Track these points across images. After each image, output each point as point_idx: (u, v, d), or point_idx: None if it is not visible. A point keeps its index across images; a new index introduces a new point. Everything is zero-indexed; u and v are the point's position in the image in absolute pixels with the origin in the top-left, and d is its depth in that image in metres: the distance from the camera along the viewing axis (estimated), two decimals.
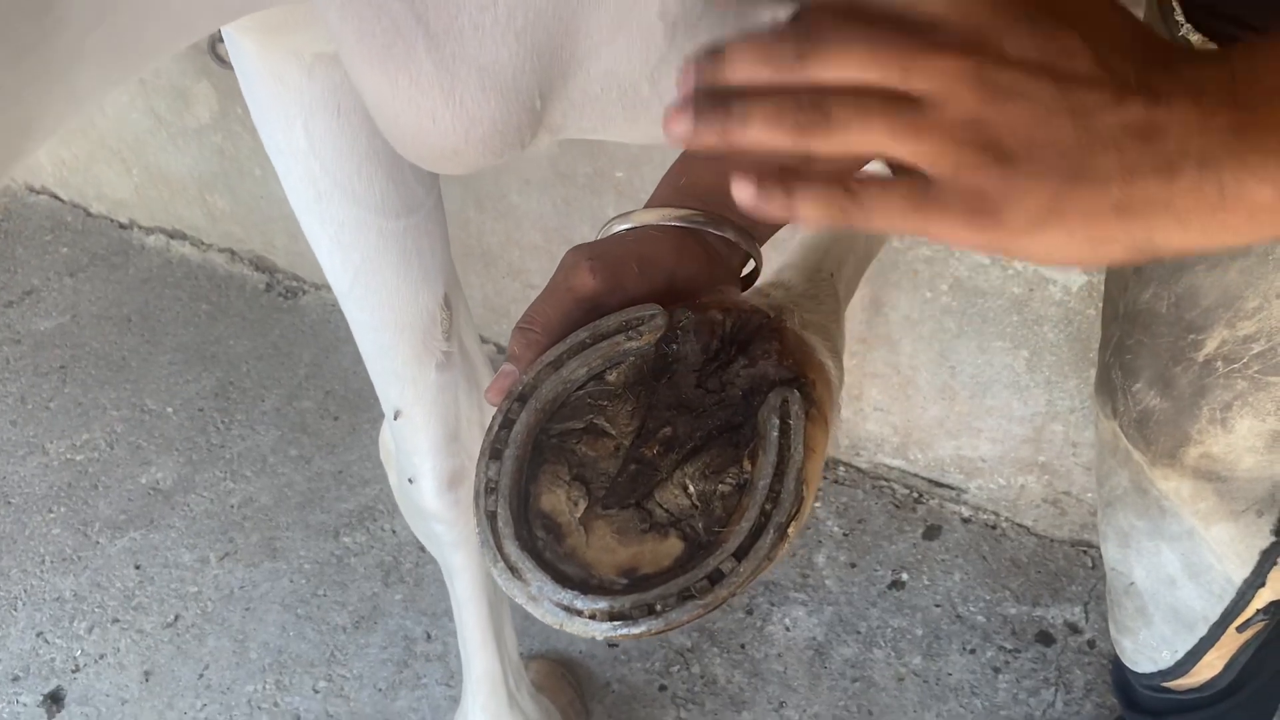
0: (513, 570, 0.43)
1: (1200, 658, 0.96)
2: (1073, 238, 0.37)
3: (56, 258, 2.06)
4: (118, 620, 1.49)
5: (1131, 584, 0.97)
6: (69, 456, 1.71)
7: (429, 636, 1.44)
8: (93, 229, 2.12)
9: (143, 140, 1.95)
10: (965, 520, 1.53)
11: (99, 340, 1.89)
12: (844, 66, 0.37)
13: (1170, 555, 0.91)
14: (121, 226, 2.11)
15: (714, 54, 0.38)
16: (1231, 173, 0.35)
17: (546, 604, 0.43)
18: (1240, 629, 0.91)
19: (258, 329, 1.88)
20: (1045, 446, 1.42)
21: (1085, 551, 1.48)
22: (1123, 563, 0.97)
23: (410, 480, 0.95)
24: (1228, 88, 0.36)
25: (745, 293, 0.60)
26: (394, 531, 1.56)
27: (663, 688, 1.38)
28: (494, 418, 0.46)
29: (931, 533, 1.52)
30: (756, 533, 0.43)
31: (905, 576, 1.47)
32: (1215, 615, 0.91)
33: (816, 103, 0.37)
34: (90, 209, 2.15)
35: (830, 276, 0.73)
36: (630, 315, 0.48)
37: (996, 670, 1.37)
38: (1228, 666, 0.96)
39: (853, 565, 1.49)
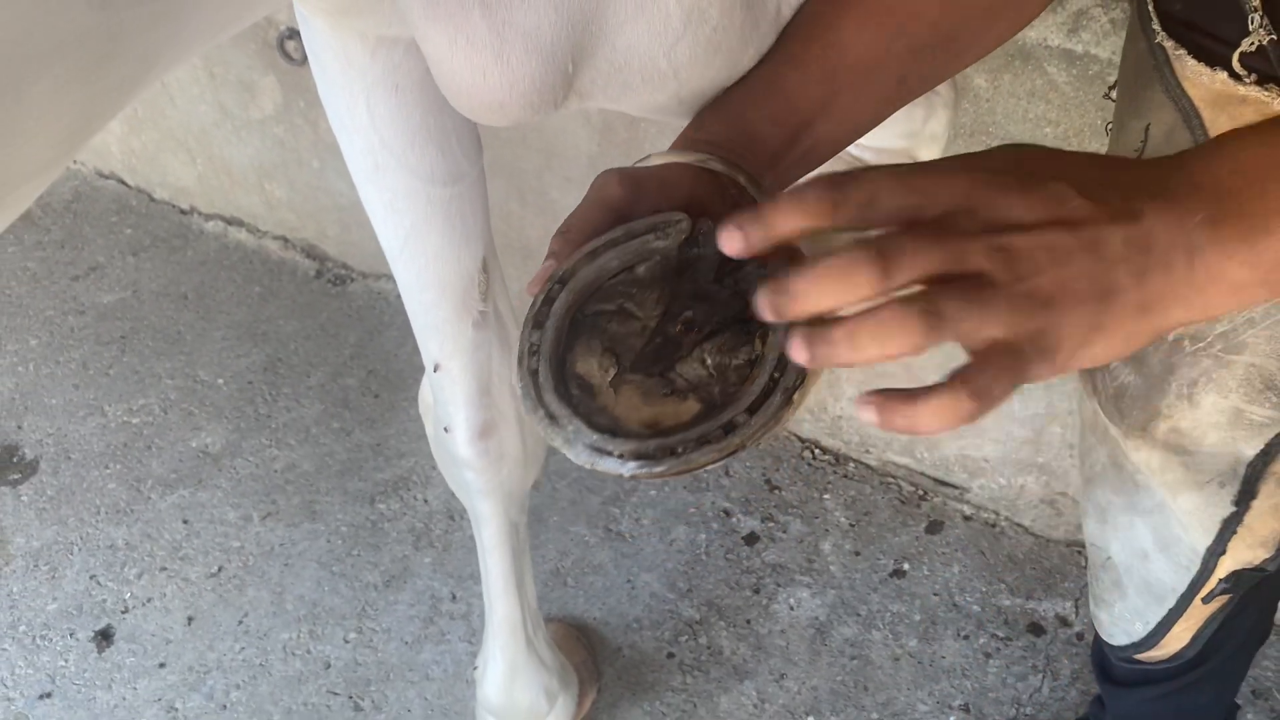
0: (551, 418, 0.51)
1: (1169, 629, 1.03)
2: (1111, 342, 0.45)
3: (121, 238, 2.18)
4: (165, 569, 1.59)
5: (1108, 558, 1.05)
6: (125, 419, 1.82)
7: (454, 597, 1.53)
8: (155, 213, 2.24)
9: (208, 131, 2.07)
10: (966, 518, 1.61)
11: (157, 315, 2.01)
12: (914, 270, 0.44)
13: (1143, 529, 0.99)
14: (182, 212, 2.24)
15: (794, 296, 0.44)
16: (1213, 257, 0.44)
17: (580, 446, 0.50)
18: (1205, 600, 0.99)
19: (307, 311, 2.00)
20: (1044, 448, 1.50)
21: (1079, 551, 1.55)
22: (1100, 537, 1.05)
23: (445, 429, 1.04)
24: (1193, 190, 0.45)
25: None
26: (425, 500, 1.66)
27: (670, 655, 1.46)
28: (536, 296, 0.54)
29: (934, 527, 1.60)
30: (766, 394, 0.49)
31: (906, 566, 1.55)
32: (1183, 586, 0.99)
33: (930, 309, 0.43)
34: (154, 194, 2.28)
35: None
36: (659, 219, 0.55)
37: (988, 655, 1.45)
38: (1194, 639, 1.03)
39: (857, 554, 1.57)
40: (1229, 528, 0.92)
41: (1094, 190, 0.45)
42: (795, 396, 0.50)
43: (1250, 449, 0.87)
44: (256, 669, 1.47)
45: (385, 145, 0.87)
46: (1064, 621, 1.48)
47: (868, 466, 1.68)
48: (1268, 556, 0.93)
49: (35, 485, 1.72)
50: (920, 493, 1.64)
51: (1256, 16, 0.68)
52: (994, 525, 1.60)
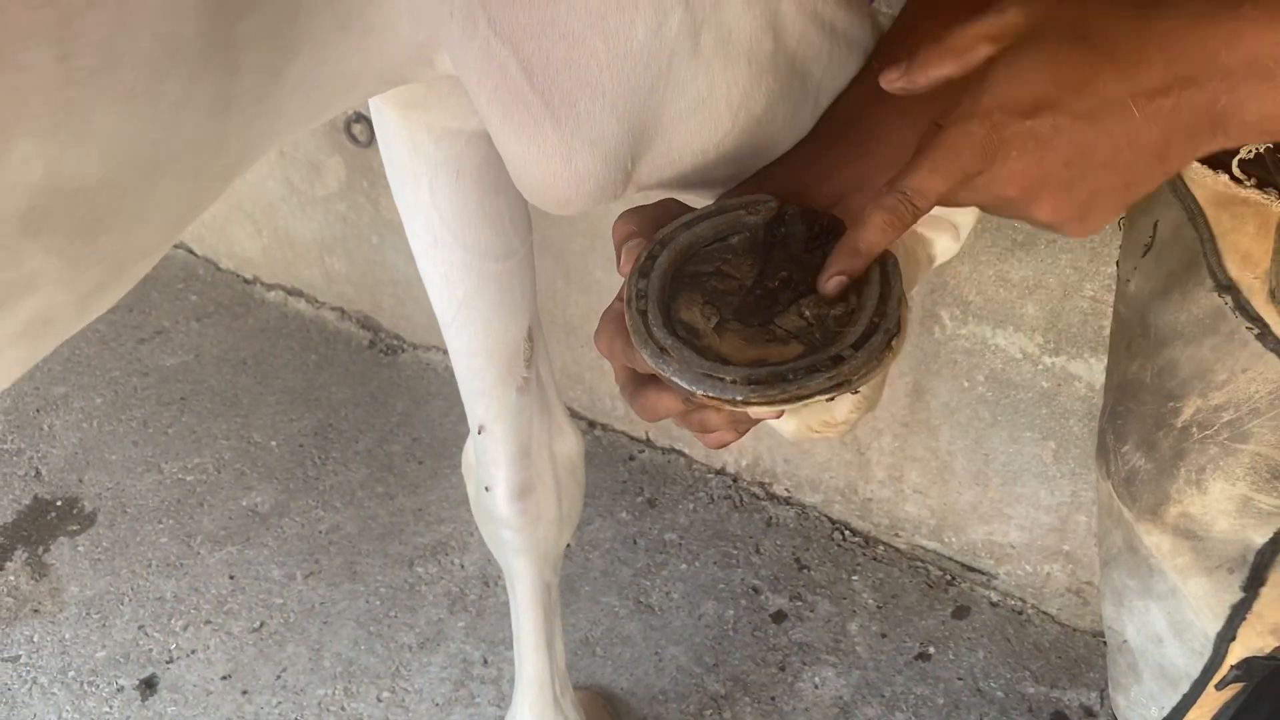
0: (662, 350, 0.53)
1: (1183, 715, 1.04)
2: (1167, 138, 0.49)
3: (186, 304, 2.29)
4: (210, 622, 1.65)
5: (1124, 641, 1.07)
6: (180, 476, 1.90)
7: (485, 662, 1.57)
8: (220, 282, 2.35)
9: (275, 206, 2.19)
10: (993, 604, 1.63)
11: (216, 378, 2.10)
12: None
13: (1158, 614, 1.01)
14: (245, 281, 2.34)
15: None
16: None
17: (693, 373, 0.52)
18: (1219, 687, 1.00)
19: (358, 379, 2.08)
20: (1070, 536, 1.52)
21: (1105, 641, 1.55)
22: (1116, 620, 1.07)
23: (486, 489, 1.10)
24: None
25: None
26: (462, 566, 1.71)
27: None
28: (638, 255, 0.57)
29: (960, 612, 1.62)
30: (869, 335, 0.52)
31: (932, 650, 1.57)
32: (1196, 672, 1.00)
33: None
34: (219, 264, 2.39)
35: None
36: (750, 198, 0.59)
37: None
38: None
39: (883, 635, 1.59)
40: (1238, 614, 0.95)
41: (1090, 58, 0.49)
42: (894, 342, 0.53)
43: (1259, 537, 0.90)
44: None
45: (444, 223, 0.94)
46: (1088, 712, 1.48)
47: (896, 550, 1.70)
48: (1278, 645, 0.95)
49: (92, 537, 1.79)
50: (948, 577, 1.66)
51: None
52: (1020, 613, 1.61)
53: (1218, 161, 0.78)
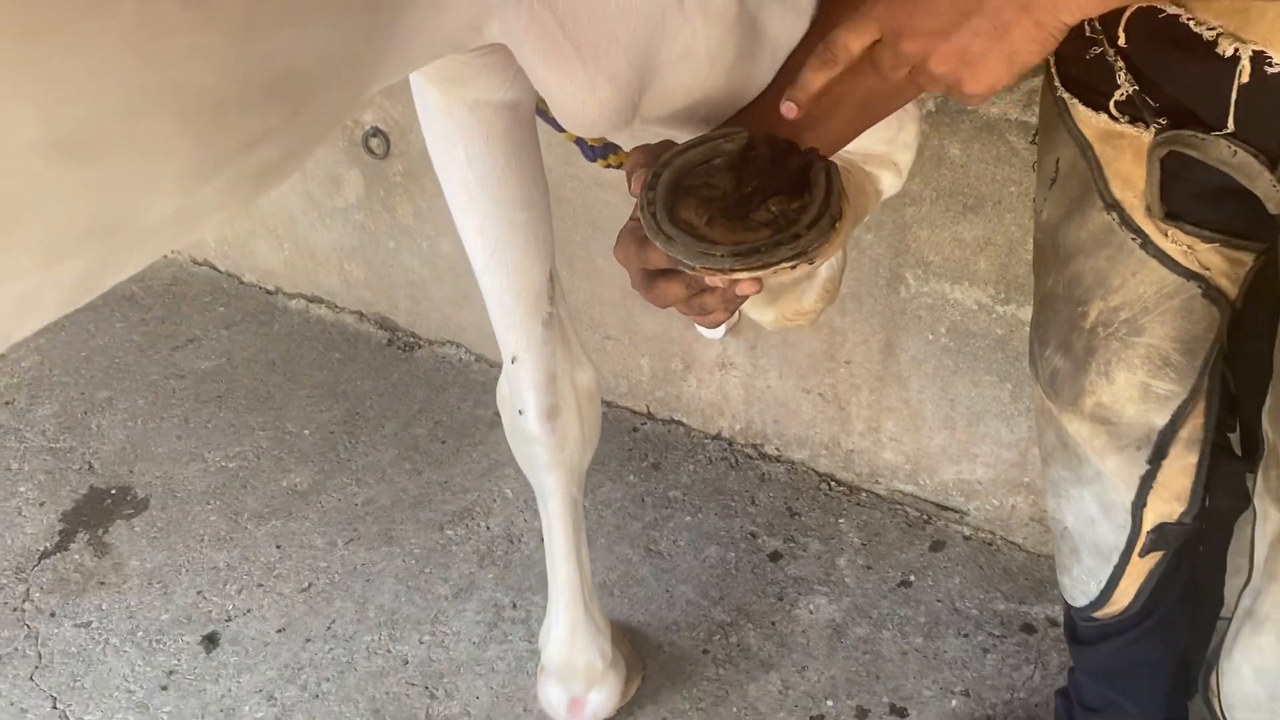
0: (669, 239, 0.72)
1: (1117, 585, 1.23)
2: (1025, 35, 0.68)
3: (215, 315, 2.48)
4: (261, 585, 1.83)
5: (1065, 528, 1.26)
6: (224, 464, 2.07)
7: (514, 605, 1.75)
8: (244, 294, 2.54)
9: (295, 219, 2.38)
10: (966, 538, 1.82)
11: (249, 378, 2.28)
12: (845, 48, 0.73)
13: (1089, 498, 1.20)
14: (268, 293, 2.53)
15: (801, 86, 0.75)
16: None
17: (692, 253, 0.71)
18: (1141, 554, 1.19)
19: (380, 373, 2.26)
20: (1029, 468, 1.71)
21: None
22: (1057, 510, 1.26)
23: (520, 412, 1.28)
24: None
25: None
26: (488, 528, 1.89)
27: (705, 651, 1.67)
28: (645, 177, 0.76)
29: (937, 546, 1.81)
30: (818, 218, 0.72)
31: (913, 578, 1.76)
32: (1122, 544, 1.19)
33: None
34: (243, 278, 2.58)
35: None
36: (727, 130, 0.79)
37: (985, 651, 1.64)
38: (1138, 593, 1.23)
39: (868, 568, 1.78)
40: (1146, 484, 1.13)
41: None
42: (838, 225, 0.73)
43: (1160, 419, 1.09)
44: (344, 665, 1.68)
45: (478, 180, 1.14)
46: (1053, 622, 1.67)
47: (877, 495, 1.90)
48: (1183, 510, 1.14)
49: (147, 519, 1.97)
50: (924, 517, 1.85)
51: (1122, 74, 0.94)
52: (990, 544, 1.80)
53: (1098, 104, 0.98)
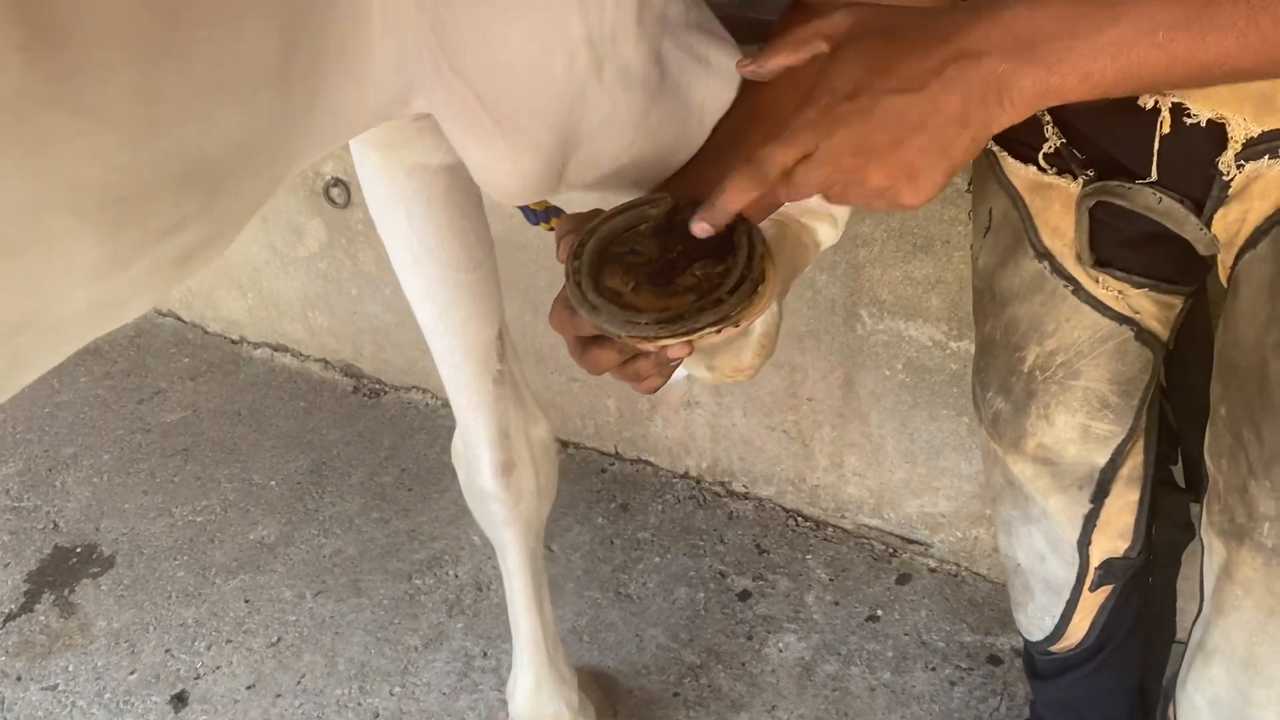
0: (594, 308, 0.73)
1: (1070, 619, 1.25)
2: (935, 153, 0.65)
3: (180, 366, 2.47)
4: (230, 641, 1.82)
5: (1017, 565, 1.28)
6: (191, 518, 2.07)
7: (485, 654, 1.75)
8: (209, 344, 2.54)
9: (259, 268, 2.39)
10: (932, 570, 1.84)
11: (215, 430, 2.27)
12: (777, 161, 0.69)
13: (1038, 535, 1.22)
14: (233, 342, 2.53)
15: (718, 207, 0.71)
16: (1012, 73, 0.62)
17: (617, 321, 0.72)
18: (1092, 589, 1.21)
19: (346, 421, 2.26)
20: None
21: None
22: (1009, 548, 1.28)
23: (474, 470, 1.29)
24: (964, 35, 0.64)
25: None
26: (456, 575, 1.89)
27: (676, 694, 1.67)
28: (571, 245, 0.77)
29: (903, 579, 1.82)
30: (740, 283, 0.72)
31: (880, 612, 1.77)
32: (1072, 579, 1.21)
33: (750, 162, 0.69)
34: (207, 328, 2.58)
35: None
36: (653, 196, 0.80)
37: (953, 684, 1.65)
38: (1091, 627, 1.25)
39: (836, 603, 1.79)
40: (1090, 522, 1.16)
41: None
42: (760, 288, 0.74)
43: (1101, 458, 1.11)
44: None
45: (421, 243, 1.14)
46: (1018, 653, 1.68)
47: (844, 530, 1.91)
48: (1128, 546, 1.16)
49: (113, 577, 1.95)
50: (890, 550, 1.87)
51: (1049, 128, 0.97)
52: (955, 575, 1.82)
53: (1027, 156, 1.01)
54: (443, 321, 1.20)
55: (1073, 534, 1.16)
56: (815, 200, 1.10)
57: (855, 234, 1.60)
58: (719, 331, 0.73)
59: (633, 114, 0.84)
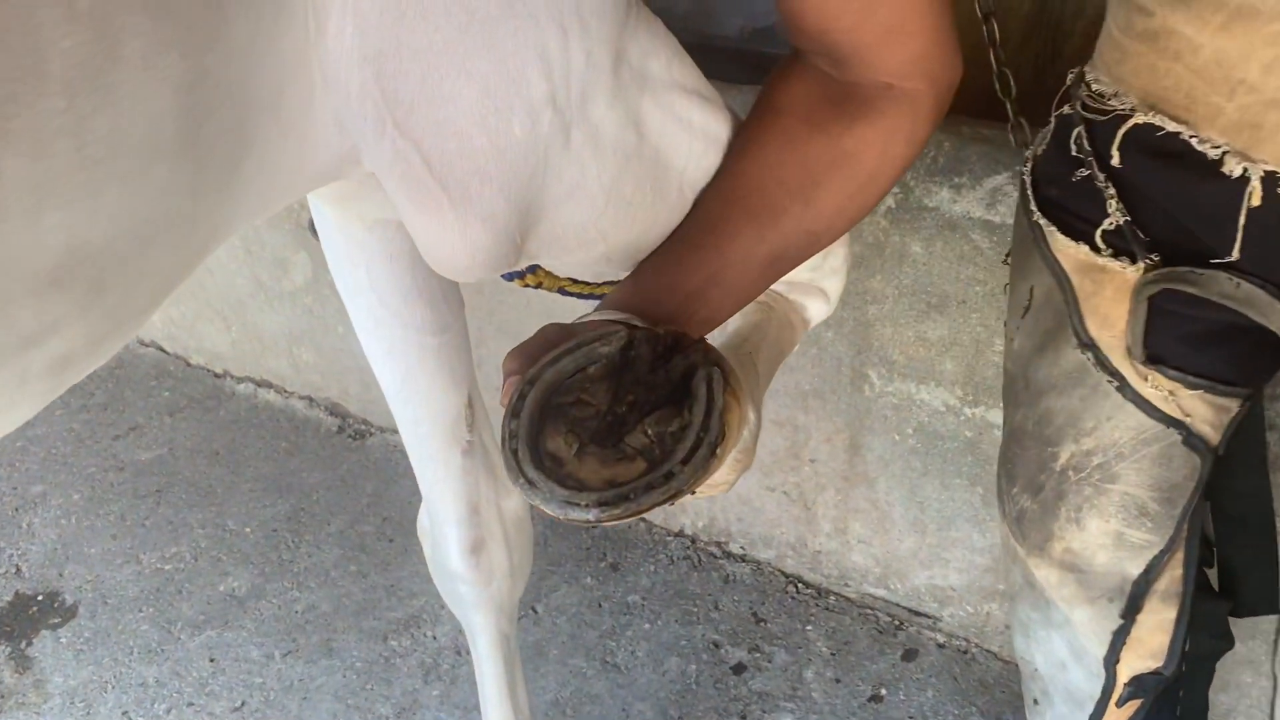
0: (531, 484, 0.63)
1: None
2: None
3: (159, 400, 2.37)
4: (192, 704, 1.71)
5: (1035, 669, 1.16)
6: (159, 566, 1.96)
7: None
8: (191, 377, 2.44)
9: (244, 302, 2.29)
10: (940, 645, 1.72)
11: (191, 470, 2.17)
12: None
13: (1059, 641, 1.11)
14: (216, 376, 2.43)
15: None
16: None
17: (556, 502, 0.62)
18: (1119, 704, 1.10)
19: (329, 464, 2.16)
20: (1004, 575, 1.62)
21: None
22: (1026, 651, 1.16)
23: (440, 548, 1.18)
24: None
25: None
26: (435, 637, 1.78)
27: None
28: (511, 395, 0.67)
29: (909, 655, 1.71)
30: (695, 449, 0.63)
31: (884, 691, 1.66)
32: (1097, 693, 1.10)
33: None
34: (190, 360, 2.48)
35: (749, 355, 0.98)
36: (603, 330, 0.68)
37: None
38: None
39: (838, 680, 1.68)
40: (1119, 639, 1.04)
41: None
42: (718, 450, 0.64)
43: (1135, 568, 1.00)
44: None
45: (383, 303, 1.04)
46: None
47: (847, 599, 1.80)
48: (1160, 665, 1.05)
49: (74, 628, 1.85)
50: (896, 622, 1.75)
51: (1113, 202, 0.86)
52: (965, 652, 1.70)
53: (1080, 232, 0.90)
54: (407, 388, 1.09)
55: (1099, 649, 1.04)
56: (806, 274, 1.00)
57: (865, 290, 1.49)
58: (673, 503, 0.63)
59: (603, 182, 0.74)
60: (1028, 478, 1.02)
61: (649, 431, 0.65)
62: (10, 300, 0.48)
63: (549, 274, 0.95)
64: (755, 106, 0.83)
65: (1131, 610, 1.00)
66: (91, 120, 0.48)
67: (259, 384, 2.37)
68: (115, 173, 0.51)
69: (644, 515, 0.63)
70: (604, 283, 0.93)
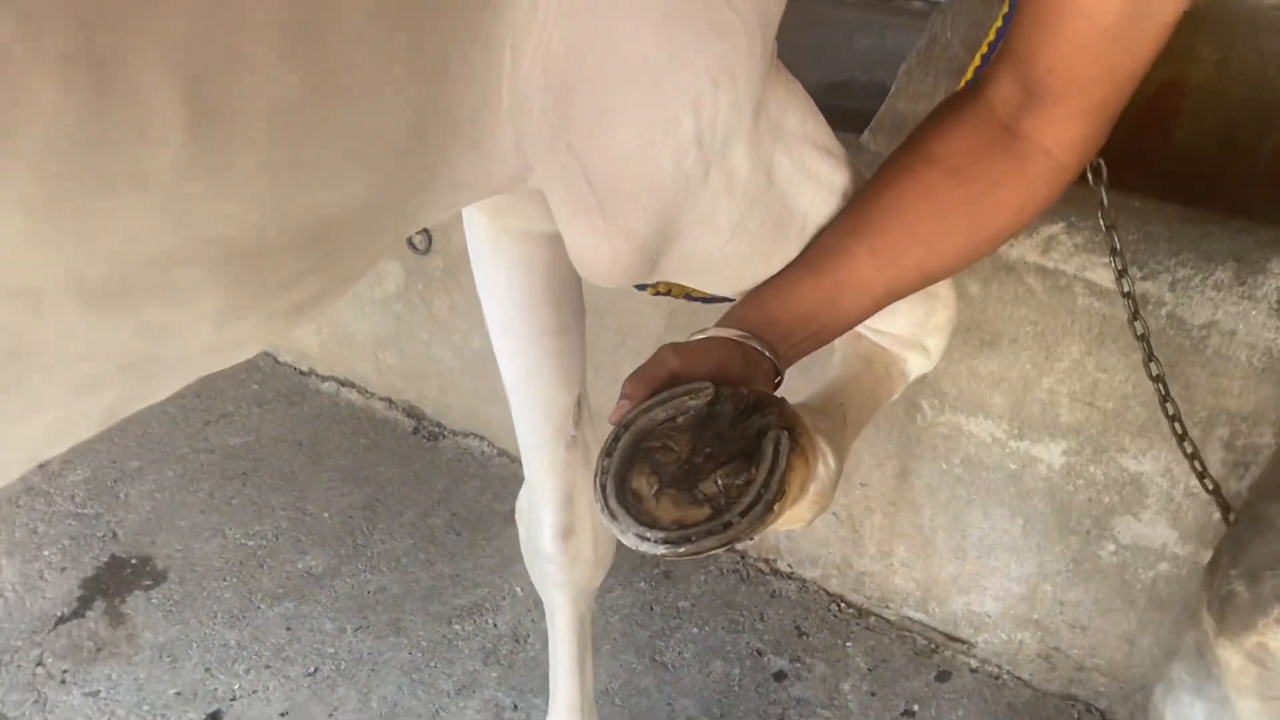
0: (612, 515, 0.73)
1: None
2: None
3: (248, 392, 2.54)
4: (269, 667, 1.84)
5: None
6: (243, 542, 2.11)
7: (515, 707, 1.75)
8: (279, 374, 2.60)
9: (336, 307, 2.45)
10: (973, 670, 1.81)
11: (275, 457, 2.33)
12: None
13: (1200, 713, 1.12)
14: (301, 373, 2.59)
15: None
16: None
17: (630, 534, 0.72)
18: None
19: (403, 461, 2.30)
20: (1038, 605, 1.71)
21: (1073, 704, 1.73)
22: (1161, 703, 1.19)
23: (535, 530, 1.31)
24: None
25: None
26: (495, 625, 1.91)
27: None
28: (609, 436, 0.78)
29: (943, 676, 1.80)
30: (754, 505, 0.73)
31: (916, 708, 1.75)
32: None
33: None
34: (279, 358, 2.65)
35: (840, 405, 1.08)
36: (694, 386, 0.80)
37: None
38: None
39: (873, 694, 1.77)
40: None
41: None
42: (775, 507, 0.74)
43: None
44: None
45: (515, 304, 1.18)
46: None
47: (887, 620, 1.89)
48: None
49: (163, 591, 2.00)
50: (932, 646, 1.85)
51: None
52: (996, 677, 1.79)
53: None
54: (526, 382, 1.22)
55: None
56: (909, 328, 1.11)
57: None
58: (730, 549, 0.75)
59: (732, 217, 0.86)
60: (1252, 566, 1.05)
61: (719, 481, 0.75)
62: (283, 251, 0.62)
63: (676, 284, 1.08)
64: (907, 146, 0.89)
65: None
66: (365, 122, 0.63)
67: (342, 383, 2.53)
68: (368, 165, 0.65)
69: (708, 553, 0.75)
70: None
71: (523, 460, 1.30)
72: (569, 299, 1.19)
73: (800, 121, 0.89)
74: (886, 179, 0.89)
